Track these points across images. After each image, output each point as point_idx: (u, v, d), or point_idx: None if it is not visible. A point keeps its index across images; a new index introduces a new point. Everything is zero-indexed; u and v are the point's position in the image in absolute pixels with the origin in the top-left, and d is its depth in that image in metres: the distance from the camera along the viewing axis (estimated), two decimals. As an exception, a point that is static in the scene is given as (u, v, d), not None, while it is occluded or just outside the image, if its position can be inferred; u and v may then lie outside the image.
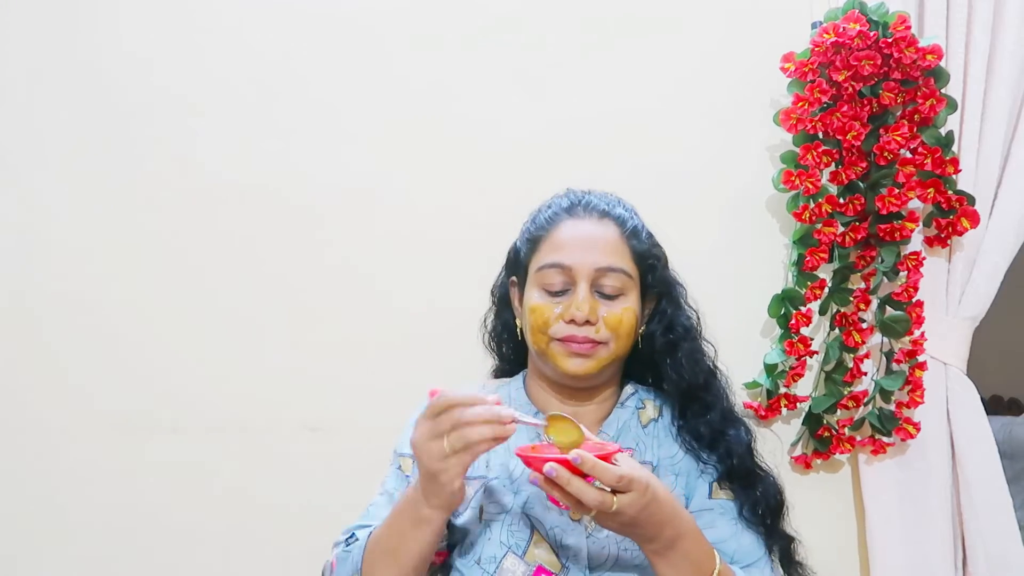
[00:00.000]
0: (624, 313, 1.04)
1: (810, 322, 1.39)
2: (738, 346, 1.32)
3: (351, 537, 1.03)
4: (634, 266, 1.06)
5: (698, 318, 1.14)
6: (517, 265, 1.11)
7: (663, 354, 1.09)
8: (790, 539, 1.09)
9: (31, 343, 1.52)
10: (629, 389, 1.12)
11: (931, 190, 1.35)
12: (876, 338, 1.40)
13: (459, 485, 0.90)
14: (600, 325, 1.02)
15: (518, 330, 1.11)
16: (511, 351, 1.18)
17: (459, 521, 1.04)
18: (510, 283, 1.13)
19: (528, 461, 0.88)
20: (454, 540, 1.06)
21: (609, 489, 0.87)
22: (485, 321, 1.20)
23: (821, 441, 1.41)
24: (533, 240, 1.08)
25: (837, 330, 1.40)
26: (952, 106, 1.34)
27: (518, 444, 1.00)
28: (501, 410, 0.88)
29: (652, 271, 1.08)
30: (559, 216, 1.07)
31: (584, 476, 0.86)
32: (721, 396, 1.11)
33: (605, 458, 0.87)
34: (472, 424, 0.87)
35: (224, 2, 1.52)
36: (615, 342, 1.04)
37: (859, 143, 1.34)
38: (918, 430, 1.37)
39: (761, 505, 1.06)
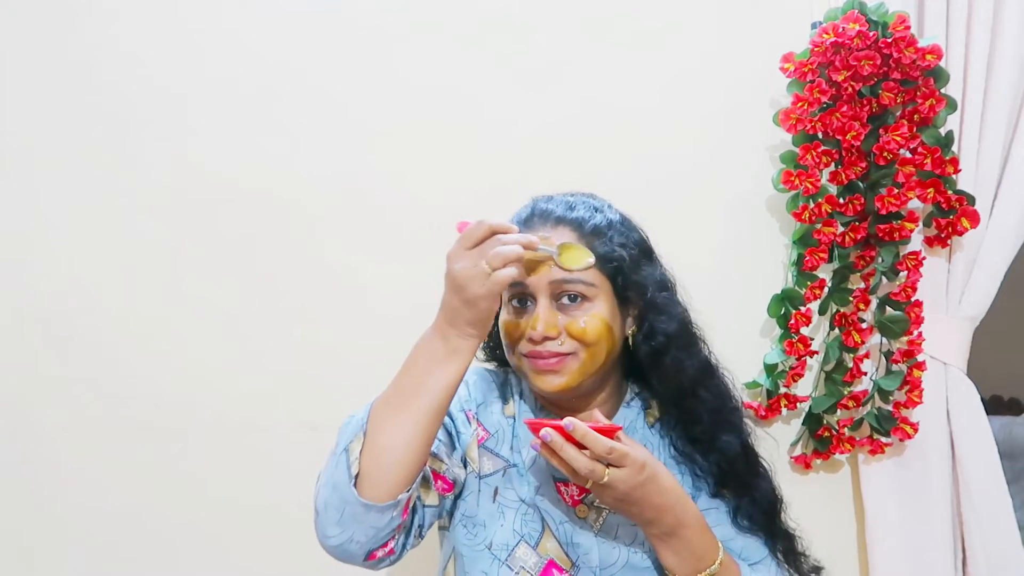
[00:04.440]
0: (589, 321, 0.99)
1: (810, 322, 1.39)
2: (738, 346, 1.32)
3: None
4: (596, 271, 1.01)
5: (688, 318, 1.08)
6: None
7: (647, 363, 1.06)
8: (791, 537, 1.09)
9: (28, 344, 1.52)
10: (633, 388, 1.12)
11: (931, 190, 1.35)
12: (876, 338, 1.40)
13: (496, 306, 0.94)
14: (563, 337, 0.99)
15: None
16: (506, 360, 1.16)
17: (474, 489, 1.04)
18: None
19: (531, 427, 0.93)
20: (468, 513, 1.05)
21: (605, 464, 0.91)
22: None
23: (821, 441, 1.41)
24: None
25: (837, 330, 1.40)
26: (952, 106, 1.34)
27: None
28: (529, 236, 0.95)
29: (620, 273, 1.02)
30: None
31: (582, 447, 0.91)
32: (712, 400, 1.07)
33: (606, 432, 0.91)
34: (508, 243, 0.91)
35: (224, 1, 1.52)
36: (584, 351, 1.00)
37: (859, 143, 1.34)
38: (916, 430, 1.37)
39: (756, 509, 1.06)
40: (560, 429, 0.90)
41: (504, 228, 0.92)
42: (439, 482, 1.01)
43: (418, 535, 0.99)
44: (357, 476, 0.90)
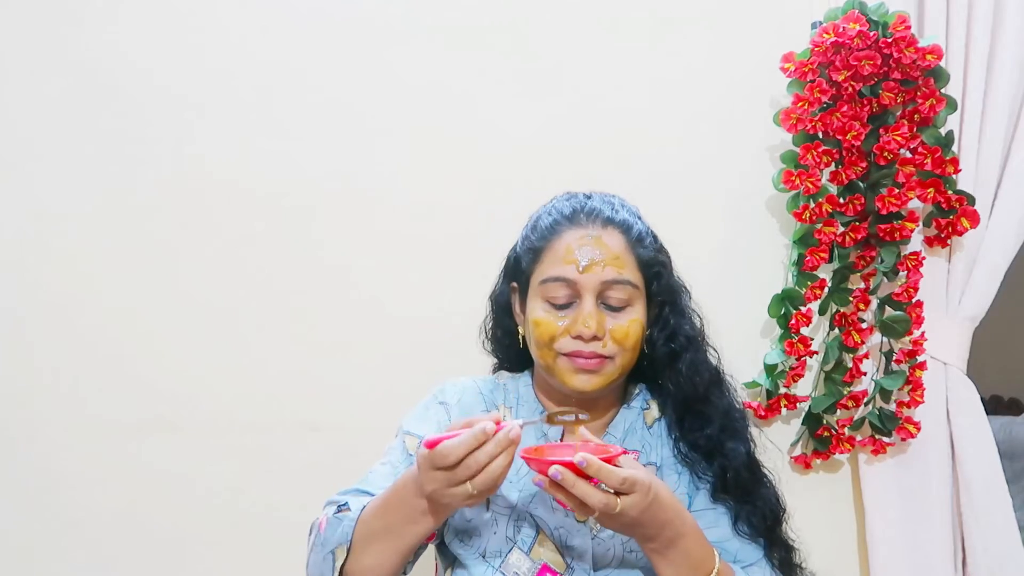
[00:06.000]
0: (631, 326, 1.02)
1: (810, 322, 1.39)
2: (738, 346, 1.32)
3: (344, 505, 1.01)
4: (640, 275, 1.04)
5: (702, 323, 1.12)
6: (518, 273, 1.08)
7: (664, 363, 1.07)
8: (790, 548, 1.09)
9: (29, 343, 1.51)
10: (634, 389, 1.12)
11: (931, 190, 1.35)
12: (876, 338, 1.40)
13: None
14: (607, 339, 1.00)
15: (520, 337, 1.09)
16: (515, 354, 1.15)
17: (460, 508, 1.04)
18: (511, 289, 1.11)
19: (533, 463, 0.90)
20: (460, 526, 1.05)
21: (613, 491, 0.88)
22: (485, 327, 1.18)
23: (821, 441, 1.41)
24: (535, 250, 1.05)
25: (837, 330, 1.40)
26: (952, 106, 1.34)
27: (523, 444, 1.01)
28: (509, 432, 0.88)
29: (658, 279, 1.06)
30: (561, 225, 1.04)
31: (588, 478, 0.87)
32: (722, 406, 1.08)
33: (609, 460, 0.89)
34: (491, 461, 0.87)
35: (223, 1, 1.52)
36: (621, 356, 1.02)
37: (859, 143, 1.34)
38: (918, 430, 1.37)
39: (757, 517, 1.06)
40: (571, 466, 0.87)
41: (473, 444, 0.87)
42: None
43: None
44: None
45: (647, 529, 0.94)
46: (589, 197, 1.08)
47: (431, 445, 0.88)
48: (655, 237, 1.08)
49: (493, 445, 0.87)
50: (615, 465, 0.89)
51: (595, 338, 1.00)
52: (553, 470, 0.87)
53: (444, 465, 0.87)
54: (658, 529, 0.94)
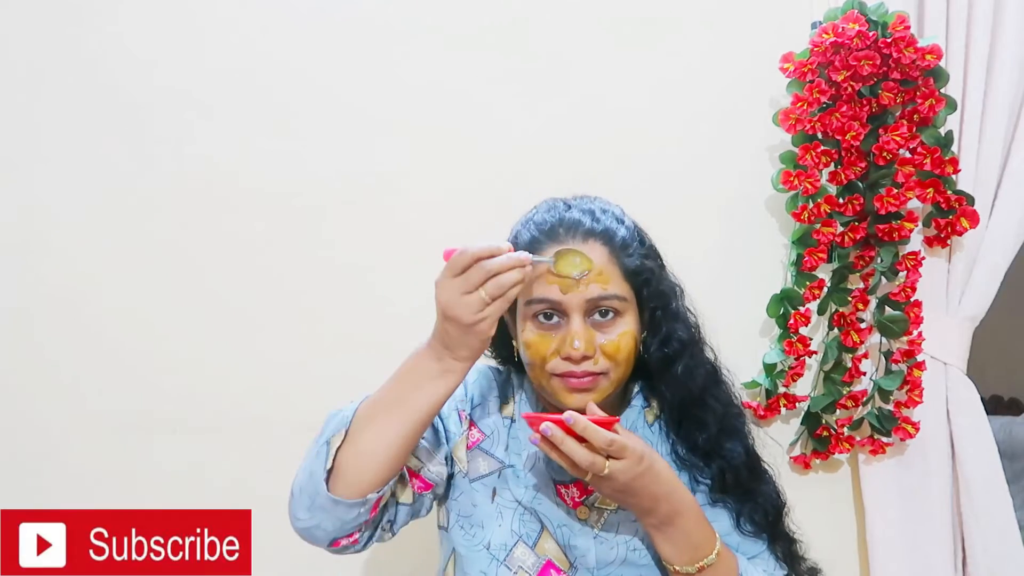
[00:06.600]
0: (621, 339, 0.99)
1: (809, 322, 1.39)
2: (737, 346, 1.31)
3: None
4: (627, 285, 1.00)
5: (698, 324, 1.10)
6: None
7: (659, 367, 1.05)
8: (792, 540, 1.09)
9: (31, 342, 1.52)
10: (633, 387, 1.11)
11: (930, 190, 1.35)
12: (875, 338, 1.40)
13: (492, 331, 0.92)
14: (598, 356, 0.98)
15: (516, 351, 1.06)
16: (516, 363, 1.12)
17: (465, 490, 1.05)
18: None
19: (530, 421, 0.93)
20: (464, 511, 1.05)
21: (604, 456, 0.91)
22: None
23: (820, 441, 1.41)
24: None
25: (836, 330, 1.40)
26: (952, 106, 1.34)
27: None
28: (520, 254, 0.90)
29: (647, 285, 1.02)
30: (540, 243, 1.01)
31: (581, 440, 0.91)
32: (719, 406, 1.07)
33: (604, 424, 0.92)
34: (502, 271, 0.89)
35: (224, 1, 1.52)
36: (615, 370, 1.00)
37: (858, 143, 1.34)
38: (917, 430, 1.37)
39: (759, 514, 1.06)
40: (560, 423, 0.91)
41: (489, 252, 0.89)
42: (416, 481, 1.02)
43: (388, 530, 1.02)
44: (330, 471, 0.93)
45: (641, 500, 0.94)
46: (568, 207, 1.04)
47: (448, 254, 0.91)
48: (642, 240, 1.05)
49: (505, 257, 0.89)
50: (612, 431, 0.92)
51: (585, 357, 0.98)
52: (544, 425, 0.90)
53: (458, 267, 0.89)
54: (653, 502, 0.95)
